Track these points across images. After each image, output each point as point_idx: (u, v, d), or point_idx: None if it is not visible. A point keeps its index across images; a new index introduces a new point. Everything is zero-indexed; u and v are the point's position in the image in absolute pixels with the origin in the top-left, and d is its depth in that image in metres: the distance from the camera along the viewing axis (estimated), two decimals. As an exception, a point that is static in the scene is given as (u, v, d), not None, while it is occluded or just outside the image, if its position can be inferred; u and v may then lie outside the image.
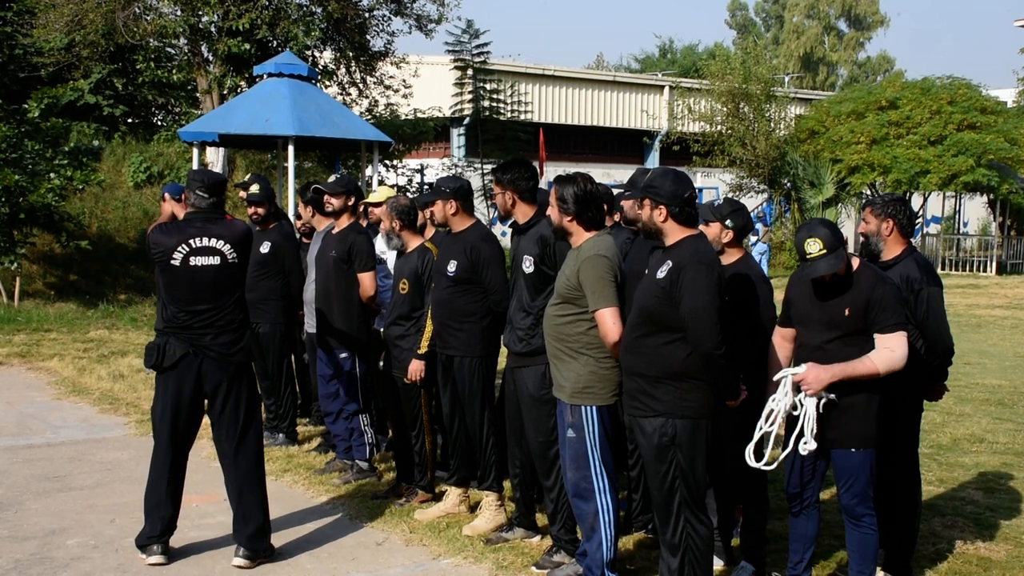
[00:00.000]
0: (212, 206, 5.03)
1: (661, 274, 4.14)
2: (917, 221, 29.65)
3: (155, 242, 4.96)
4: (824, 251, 4.21)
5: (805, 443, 4.27)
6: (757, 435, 4.36)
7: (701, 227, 4.85)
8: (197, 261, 4.87)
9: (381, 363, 6.26)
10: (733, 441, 4.58)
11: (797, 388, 4.30)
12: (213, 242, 4.91)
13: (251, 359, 5.11)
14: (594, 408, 4.52)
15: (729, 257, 4.88)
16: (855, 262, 4.35)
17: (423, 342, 5.71)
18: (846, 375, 4.21)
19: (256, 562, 5.00)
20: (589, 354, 4.53)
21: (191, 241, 4.89)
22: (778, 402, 4.31)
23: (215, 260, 4.90)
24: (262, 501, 5.09)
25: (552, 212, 4.65)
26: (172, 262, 4.87)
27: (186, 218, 5.05)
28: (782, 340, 4.59)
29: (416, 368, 5.72)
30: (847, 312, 4.25)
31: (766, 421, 4.35)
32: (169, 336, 4.92)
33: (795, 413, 4.32)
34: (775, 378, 4.37)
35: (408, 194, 15.72)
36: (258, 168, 20.05)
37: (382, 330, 6.34)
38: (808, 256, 4.26)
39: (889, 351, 4.21)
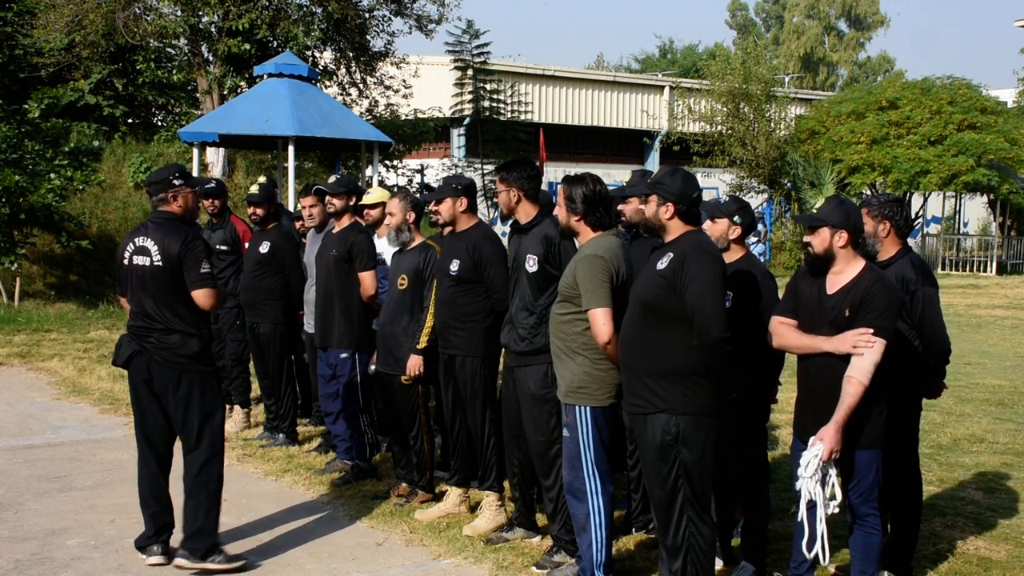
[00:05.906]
0: (156, 204, 5.05)
1: (662, 265, 4.09)
2: (916, 222, 29.78)
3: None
4: (817, 214, 4.20)
5: (836, 504, 4.14)
6: (818, 529, 4.15)
7: (708, 223, 4.84)
8: (136, 260, 4.95)
9: (372, 367, 6.23)
10: (736, 440, 4.57)
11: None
12: (148, 243, 4.94)
13: (206, 369, 5.00)
14: (587, 408, 4.51)
15: (732, 255, 4.86)
16: (860, 263, 4.26)
17: (422, 337, 5.70)
18: (848, 415, 4.05)
19: (197, 564, 4.89)
20: (585, 354, 4.53)
21: (136, 240, 4.97)
22: (815, 492, 4.09)
23: (146, 260, 4.94)
24: (207, 505, 4.98)
25: (560, 211, 4.65)
26: (123, 260, 4.99)
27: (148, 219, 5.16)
28: (781, 324, 4.40)
29: (415, 364, 5.71)
30: (847, 313, 4.19)
31: (816, 516, 4.13)
32: (124, 334, 5.04)
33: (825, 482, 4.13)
34: (802, 464, 4.14)
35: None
36: (258, 169, 20.07)
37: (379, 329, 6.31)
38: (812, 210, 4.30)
39: (858, 358, 4.05)
